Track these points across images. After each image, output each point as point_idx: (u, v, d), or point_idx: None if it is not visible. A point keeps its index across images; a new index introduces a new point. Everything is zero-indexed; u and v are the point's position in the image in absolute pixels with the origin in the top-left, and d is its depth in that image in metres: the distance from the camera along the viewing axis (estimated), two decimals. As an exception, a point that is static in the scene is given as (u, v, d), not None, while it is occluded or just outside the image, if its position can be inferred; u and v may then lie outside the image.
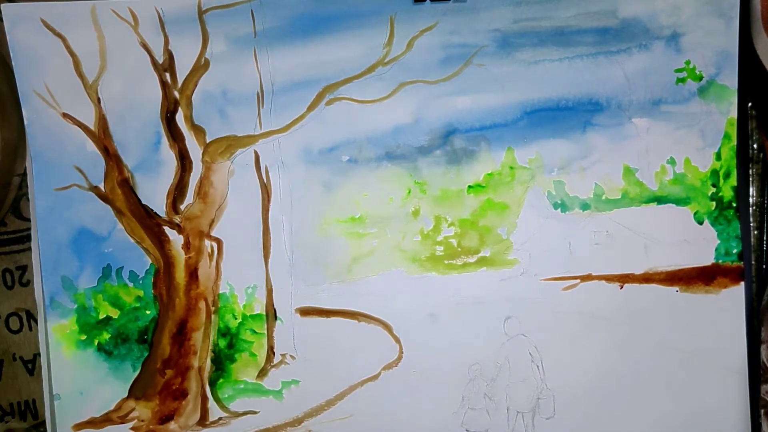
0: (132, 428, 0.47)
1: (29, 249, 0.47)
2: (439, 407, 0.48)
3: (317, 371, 0.47)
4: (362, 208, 0.47)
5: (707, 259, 0.47)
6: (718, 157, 0.47)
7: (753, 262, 0.48)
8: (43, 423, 0.48)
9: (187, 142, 0.47)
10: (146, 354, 0.47)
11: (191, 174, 0.47)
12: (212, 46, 0.46)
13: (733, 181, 0.47)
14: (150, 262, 0.47)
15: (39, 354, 0.47)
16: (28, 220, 0.47)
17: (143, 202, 0.47)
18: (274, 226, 0.47)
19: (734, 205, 0.47)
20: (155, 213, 0.47)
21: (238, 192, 0.47)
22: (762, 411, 0.47)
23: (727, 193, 0.47)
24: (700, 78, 0.47)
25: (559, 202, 0.47)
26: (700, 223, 0.47)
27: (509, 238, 0.47)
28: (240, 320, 0.47)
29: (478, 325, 0.47)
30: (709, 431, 0.47)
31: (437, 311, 0.47)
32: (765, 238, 0.49)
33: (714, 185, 0.47)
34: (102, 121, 0.46)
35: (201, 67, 0.46)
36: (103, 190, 0.47)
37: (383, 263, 0.47)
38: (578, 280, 0.47)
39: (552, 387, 0.48)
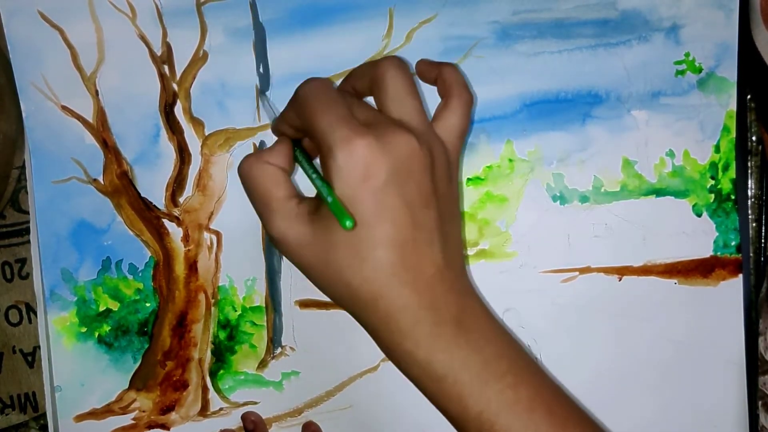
0: (133, 419, 0.47)
1: (28, 242, 0.47)
2: (438, 398, 0.48)
3: (317, 362, 0.48)
4: (361, 201, 0.47)
5: (706, 251, 0.47)
6: (717, 149, 0.47)
7: (751, 254, 0.48)
8: (44, 415, 0.48)
9: (185, 135, 0.47)
10: (146, 346, 0.47)
11: (190, 166, 0.47)
12: (211, 38, 0.46)
13: (732, 173, 0.47)
14: (149, 254, 0.47)
15: (39, 347, 0.47)
16: (27, 213, 0.47)
17: (142, 195, 0.47)
18: (274, 219, 0.47)
19: (733, 197, 0.47)
20: (154, 206, 0.47)
21: (237, 184, 0.46)
22: (759, 402, 0.47)
23: (726, 185, 0.47)
24: (700, 70, 0.46)
25: (558, 194, 0.47)
26: (699, 215, 0.47)
27: (508, 230, 0.47)
28: (240, 312, 0.47)
29: (477, 317, 0.47)
30: (707, 422, 0.48)
31: (436, 303, 0.47)
32: (763, 231, 0.49)
33: (713, 177, 0.47)
34: (100, 113, 0.46)
35: (199, 59, 0.46)
36: (103, 182, 0.47)
37: (382, 255, 0.47)
38: (577, 273, 0.47)
39: (550, 378, 0.48)
